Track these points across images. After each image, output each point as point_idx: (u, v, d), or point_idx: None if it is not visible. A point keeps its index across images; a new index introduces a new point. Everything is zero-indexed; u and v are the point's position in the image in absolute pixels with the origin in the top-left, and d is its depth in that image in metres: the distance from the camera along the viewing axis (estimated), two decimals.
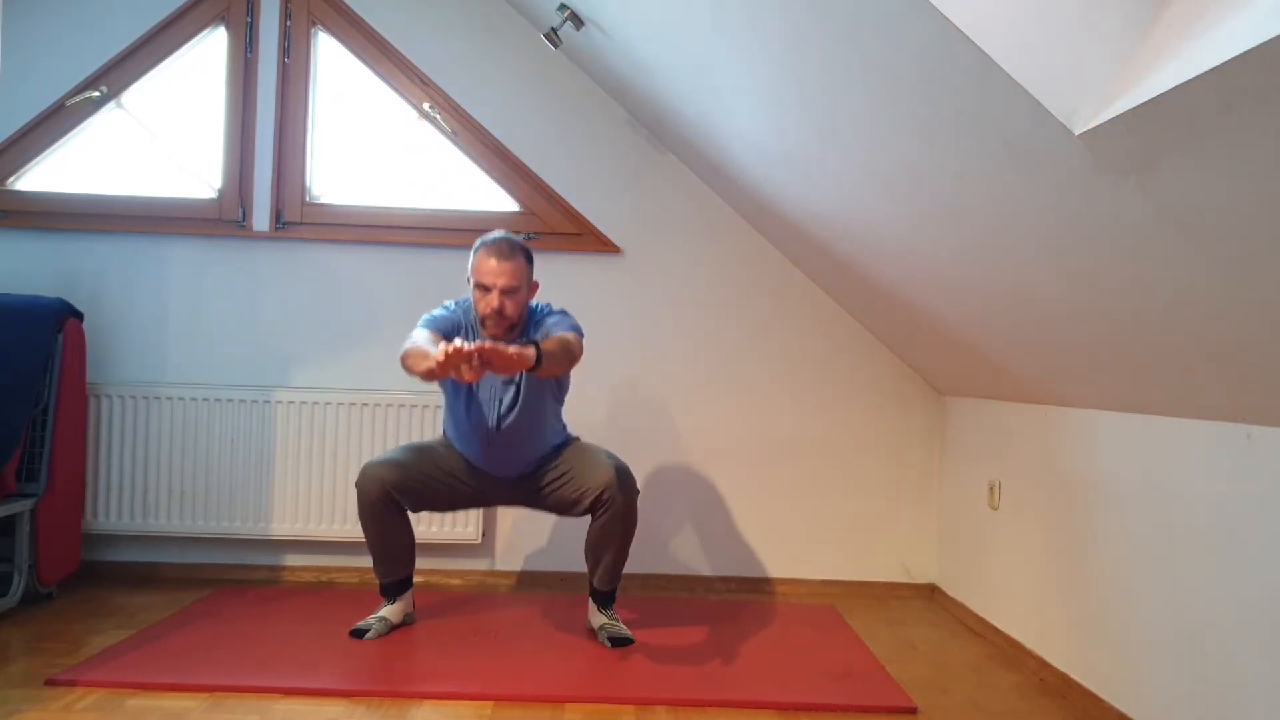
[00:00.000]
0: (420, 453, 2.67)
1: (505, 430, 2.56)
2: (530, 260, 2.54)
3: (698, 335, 3.37)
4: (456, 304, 2.62)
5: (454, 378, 2.20)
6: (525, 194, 3.33)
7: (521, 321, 2.55)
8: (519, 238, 2.56)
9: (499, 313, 2.45)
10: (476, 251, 2.51)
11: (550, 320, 2.54)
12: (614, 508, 2.54)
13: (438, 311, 2.58)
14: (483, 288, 2.47)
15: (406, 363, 2.32)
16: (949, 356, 2.92)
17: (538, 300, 2.63)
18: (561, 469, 2.63)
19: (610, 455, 2.62)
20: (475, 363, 2.11)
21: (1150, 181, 1.35)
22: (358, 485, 2.59)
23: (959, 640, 2.86)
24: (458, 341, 2.11)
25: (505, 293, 2.45)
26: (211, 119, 3.33)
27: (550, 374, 2.37)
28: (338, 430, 3.19)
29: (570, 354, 2.39)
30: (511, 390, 2.55)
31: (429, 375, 2.23)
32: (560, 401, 2.71)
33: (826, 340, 3.38)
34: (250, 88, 3.30)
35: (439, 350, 2.12)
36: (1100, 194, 1.47)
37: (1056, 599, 2.47)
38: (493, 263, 2.45)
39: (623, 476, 2.55)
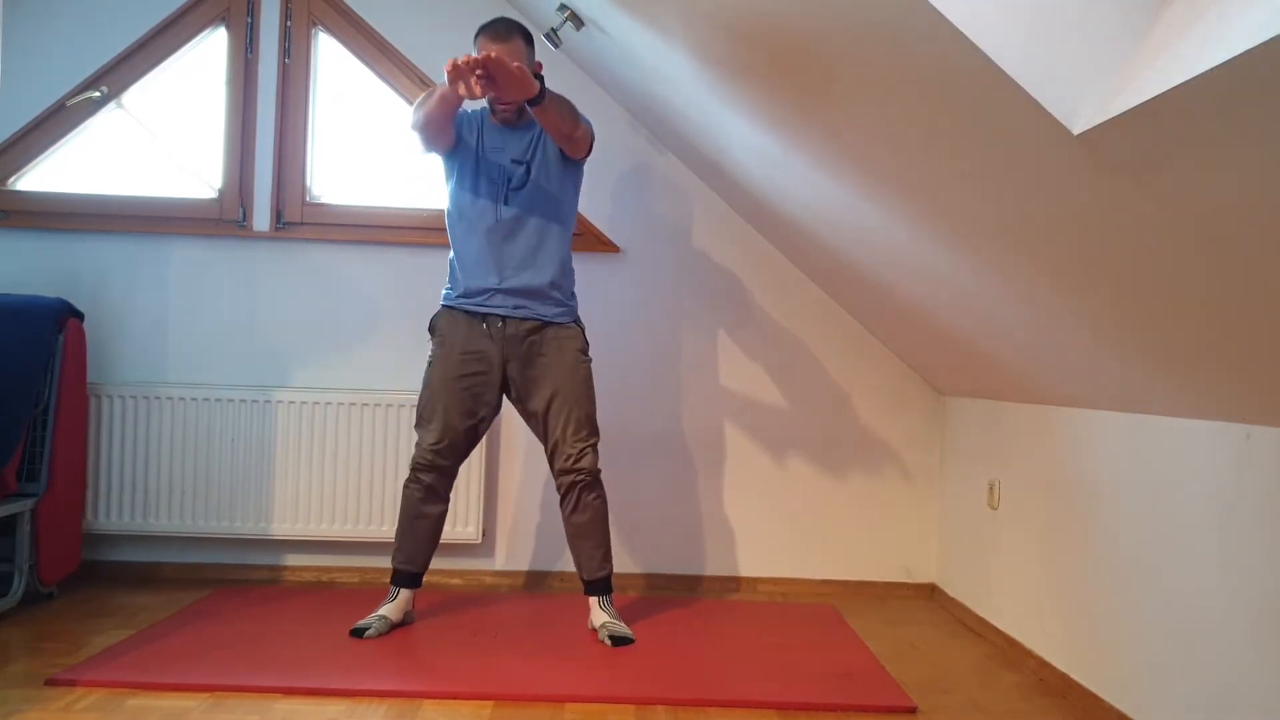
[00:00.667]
0: (436, 395, 2.66)
1: (513, 206, 2.62)
2: (530, 42, 2.62)
3: (697, 335, 3.37)
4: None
5: (463, 93, 2.32)
6: None
7: (527, 116, 2.64)
8: (517, 22, 2.62)
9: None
10: (477, 38, 2.59)
11: None
12: (582, 498, 2.65)
13: None
14: None
15: (418, 115, 2.49)
16: (949, 356, 2.92)
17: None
18: (550, 386, 2.65)
19: (585, 432, 2.66)
20: (482, 72, 2.27)
21: (1150, 181, 1.35)
22: (405, 485, 2.72)
23: (959, 640, 2.86)
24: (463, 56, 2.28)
25: None
26: (212, 119, 3.33)
27: (554, 118, 2.47)
28: (338, 430, 3.19)
29: (575, 115, 2.54)
30: (522, 169, 2.63)
31: (441, 102, 2.41)
32: (569, 226, 2.74)
33: (826, 340, 3.38)
34: (250, 88, 3.30)
35: (444, 78, 2.30)
36: (1100, 194, 1.47)
37: (1056, 599, 2.47)
38: (491, 45, 2.52)
39: (587, 465, 2.65)
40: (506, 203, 2.61)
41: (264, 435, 3.18)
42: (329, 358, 3.31)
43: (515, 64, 2.32)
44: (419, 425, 2.69)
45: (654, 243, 3.37)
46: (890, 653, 2.68)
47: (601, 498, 2.70)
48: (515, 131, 2.68)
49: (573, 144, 2.61)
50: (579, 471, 2.65)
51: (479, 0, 3.32)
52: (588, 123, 2.65)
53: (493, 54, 2.30)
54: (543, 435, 2.70)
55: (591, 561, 2.69)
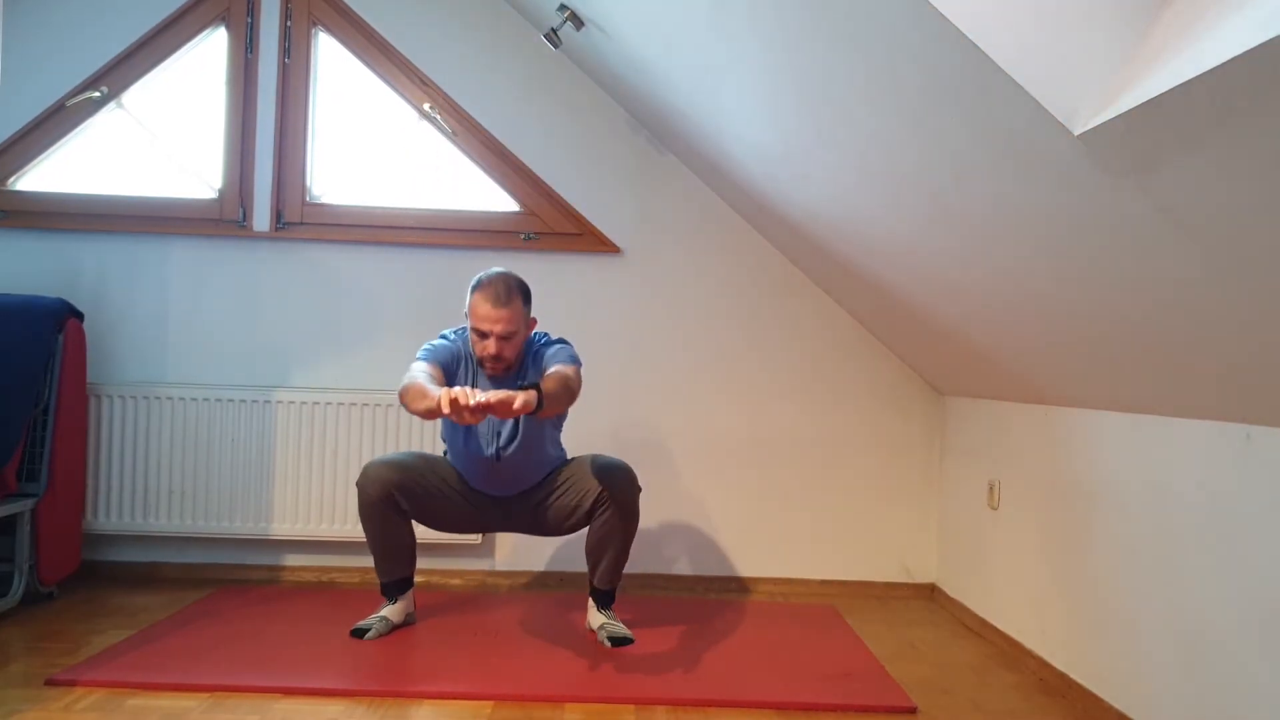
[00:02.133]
0: (423, 459, 2.67)
1: (505, 460, 2.57)
2: (527, 299, 2.50)
3: (697, 335, 3.37)
4: (456, 334, 2.60)
5: (454, 421, 2.16)
6: (525, 194, 3.33)
7: (519, 359, 2.54)
8: (514, 278, 2.50)
9: (496, 358, 2.46)
10: (473, 292, 2.47)
11: (549, 352, 2.52)
12: (615, 506, 2.55)
13: (437, 342, 2.56)
14: (480, 333, 2.46)
15: (405, 400, 2.28)
16: (949, 356, 2.92)
17: (536, 331, 2.62)
18: (562, 477, 2.63)
19: (610, 458, 2.63)
20: (476, 411, 2.07)
21: (1150, 181, 1.35)
22: (359, 484, 2.59)
23: (959, 640, 2.86)
24: (457, 390, 2.08)
25: (502, 338, 2.45)
26: (212, 119, 3.33)
27: (551, 414, 2.34)
28: (338, 430, 3.19)
29: (570, 392, 2.35)
30: (510, 423, 2.55)
31: (428, 415, 2.18)
32: (559, 428, 2.70)
33: (826, 340, 3.38)
34: (250, 88, 3.30)
35: (440, 395, 2.08)
36: (1100, 194, 1.47)
37: (1056, 599, 2.47)
38: (489, 309, 2.43)
39: (624, 474, 2.57)
40: (499, 458, 2.56)
41: (264, 435, 3.18)
42: (329, 358, 3.31)
43: (519, 400, 2.10)
44: (390, 458, 2.62)
45: (654, 243, 3.37)
46: (890, 653, 2.68)
47: (634, 522, 2.60)
48: (503, 381, 2.52)
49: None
50: (610, 490, 2.55)
51: (479, 1, 3.32)
52: (575, 359, 2.50)
53: (490, 401, 2.08)
54: (571, 516, 2.61)
55: (606, 572, 2.65)
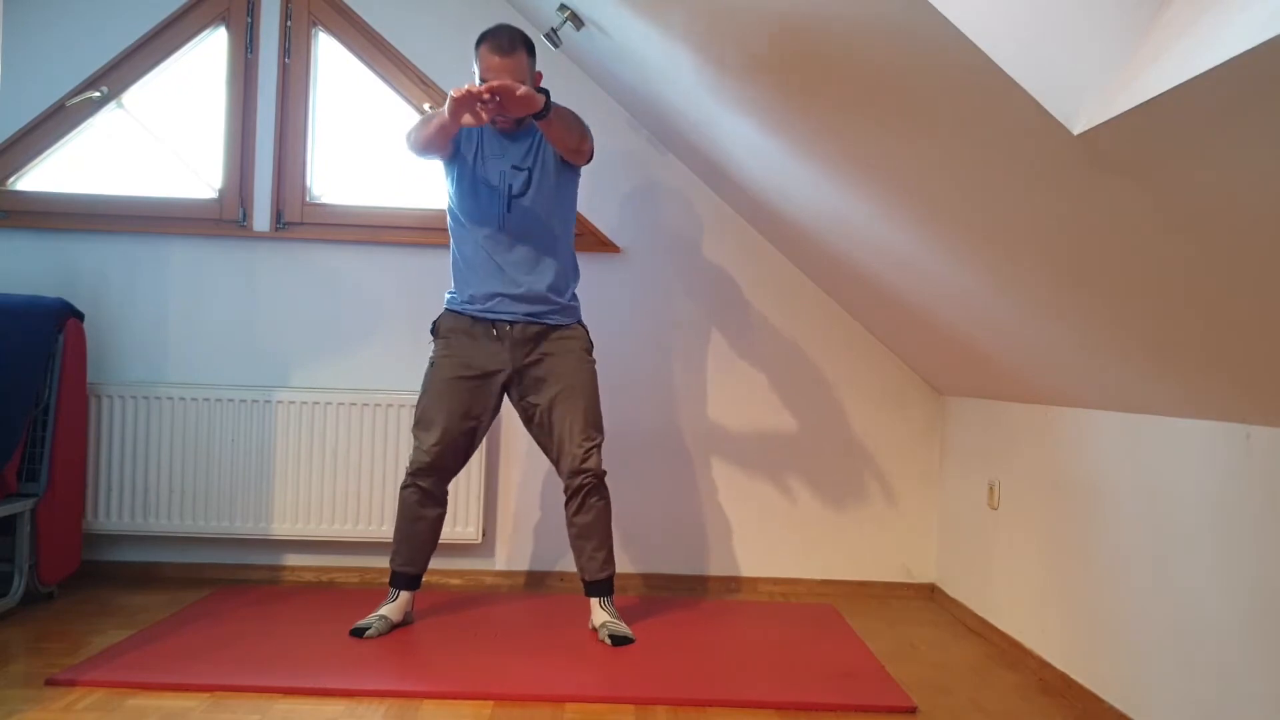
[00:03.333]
0: (436, 398, 2.66)
1: (516, 213, 2.62)
2: (532, 52, 2.59)
3: (697, 335, 3.37)
4: None
5: (466, 122, 2.33)
6: None
7: (527, 119, 2.61)
8: (519, 31, 2.58)
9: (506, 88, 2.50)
10: (479, 45, 2.56)
11: None
12: (586, 499, 2.65)
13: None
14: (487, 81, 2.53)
15: (415, 135, 2.47)
16: (949, 356, 2.92)
17: (542, 85, 2.65)
18: (555, 386, 2.65)
19: (590, 433, 2.66)
20: (485, 100, 2.26)
21: (1150, 181, 1.35)
22: (402, 488, 2.71)
23: (959, 640, 2.86)
24: (463, 87, 2.28)
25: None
26: (212, 119, 3.33)
27: (560, 132, 2.49)
28: (338, 430, 3.19)
29: (580, 124, 2.55)
30: (523, 175, 2.63)
31: (441, 130, 2.39)
32: (571, 221, 2.76)
33: (826, 340, 3.38)
34: (250, 88, 3.30)
35: (445, 103, 2.30)
36: (1100, 194, 1.47)
37: (1056, 599, 2.47)
38: (496, 59, 2.51)
39: (593, 466, 2.65)
40: (509, 210, 2.62)
41: (264, 435, 3.18)
42: (329, 358, 3.31)
43: (522, 90, 2.31)
44: (417, 427, 2.69)
45: (654, 243, 3.37)
46: (890, 653, 2.68)
47: (606, 500, 2.70)
48: (515, 138, 2.67)
49: (577, 154, 2.64)
50: (586, 473, 2.64)
51: (479, 1, 3.32)
52: (589, 131, 2.66)
53: (497, 84, 2.30)
54: (547, 436, 2.69)
55: (593, 563, 2.69)
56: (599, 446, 2.68)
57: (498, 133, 2.67)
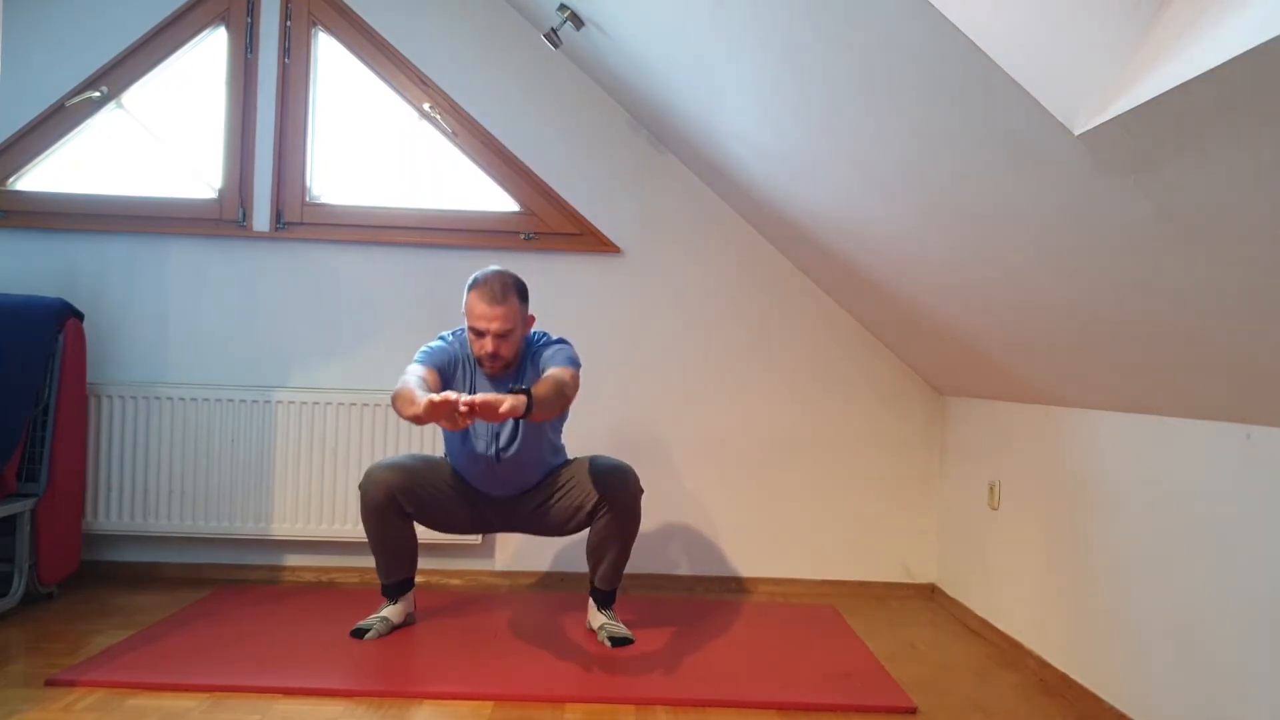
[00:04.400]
0: (424, 461, 2.67)
1: (504, 461, 2.56)
2: (524, 298, 2.49)
3: (697, 335, 3.37)
4: (454, 335, 2.59)
5: (442, 426, 2.15)
6: (525, 194, 3.33)
7: (518, 358, 2.54)
8: (510, 276, 2.49)
9: (494, 356, 2.45)
10: (469, 291, 2.46)
11: (547, 353, 2.51)
12: (615, 507, 2.55)
13: (434, 344, 2.55)
14: (477, 331, 2.45)
15: (395, 405, 2.28)
16: (949, 356, 2.92)
17: (535, 329, 2.62)
18: (564, 478, 2.62)
19: (611, 459, 2.63)
20: (463, 413, 2.05)
21: (1150, 181, 1.35)
22: (361, 487, 2.58)
23: (959, 640, 2.86)
24: (440, 396, 2.06)
25: (499, 336, 2.44)
26: (212, 119, 3.33)
27: (544, 419, 2.32)
28: (338, 430, 3.19)
29: (564, 397, 2.32)
30: (509, 425, 2.54)
31: (417, 421, 2.16)
32: (559, 429, 2.69)
33: (826, 340, 3.38)
34: (250, 88, 3.30)
35: (423, 401, 2.07)
36: (1100, 194, 1.47)
37: (1056, 599, 2.47)
38: (485, 307, 2.41)
39: (626, 476, 2.56)
40: (498, 459, 2.56)
41: (264, 435, 3.18)
42: (329, 358, 3.31)
43: (505, 408, 2.08)
44: (387, 461, 2.62)
45: (654, 243, 3.37)
46: (890, 653, 2.68)
47: (636, 522, 2.60)
48: (503, 381, 2.52)
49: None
50: (627, 491, 2.56)
51: (479, 1, 3.32)
52: (573, 360, 2.49)
53: (477, 401, 2.07)
54: (571, 518, 2.61)
55: (607, 573, 2.65)
56: (626, 468, 2.59)
57: (486, 375, 2.53)
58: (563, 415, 2.61)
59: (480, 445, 2.55)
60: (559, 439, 2.71)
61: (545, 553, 3.32)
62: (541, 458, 2.63)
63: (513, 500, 2.66)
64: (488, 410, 2.07)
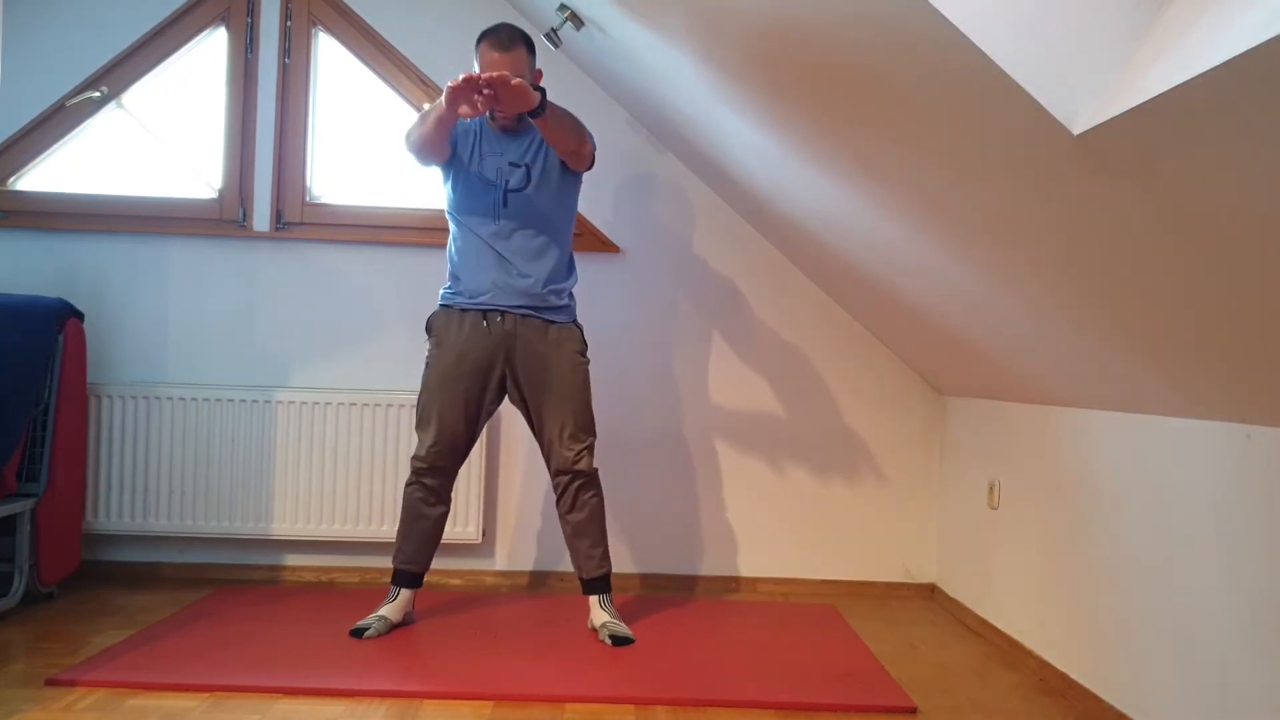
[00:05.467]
0: (433, 396, 2.66)
1: (512, 206, 2.62)
2: (532, 50, 2.61)
3: (697, 335, 3.37)
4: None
5: (463, 113, 2.37)
6: None
7: (527, 121, 2.62)
8: (519, 29, 2.61)
9: (504, 81, 2.47)
10: (479, 45, 2.58)
11: None
12: (579, 497, 2.67)
13: None
14: None
15: (414, 134, 2.51)
16: (949, 356, 2.92)
17: (543, 84, 2.67)
18: (548, 386, 2.65)
19: (580, 434, 2.66)
20: (483, 89, 2.28)
21: (1150, 181, 1.35)
22: (407, 485, 2.72)
23: (959, 640, 2.86)
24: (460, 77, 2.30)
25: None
26: (212, 119, 3.33)
27: (557, 132, 2.48)
28: (338, 430, 3.19)
29: (579, 125, 2.55)
30: (521, 171, 2.64)
31: (437, 126, 2.42)
32: (570, 221, 2.75)
33: (826, 340, 3.38)
34: (250, 88, 3.30)
35: (447, 85, 2.31)
36: (1100, 194, 1.47)
37: (1056, 599, 2.47)
38: (494, 55, 2.53)
39: (583, 467, 2.66)
40: (505, 204, 2.62)
41: (264, 435, 3.18)
42: (329, 358, 3.31)
43: (516, 80, 2.33)
44: (418, 427, 2.69)
45: (654, 243, 3.37)
46: (890, 653, 2.68)
47: (598, 496, 2.70)
48: (514, 137, 2.68)
49: (577, 158, 2.64)
50: (575, 472, 2.66)
51: (479, 1, 3.32)
52: (591, 137, 2.65)
53: (494, 74, 2.32)
54: (538, 435, 2.70)
55: (590, 560, 2.69)
56: (590, 448, 2.68)
57: (496, 132, 2.68)
58: (572, 195, 2.74)
59: (491, 183, 2.63)
60: (568, 233, 2.75)
61: (545, 553, 3.32)
62: (549, 221, 2.67)
63: (508, 338, 2.64)
64: (502, 82, 2.31)
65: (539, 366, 2.66)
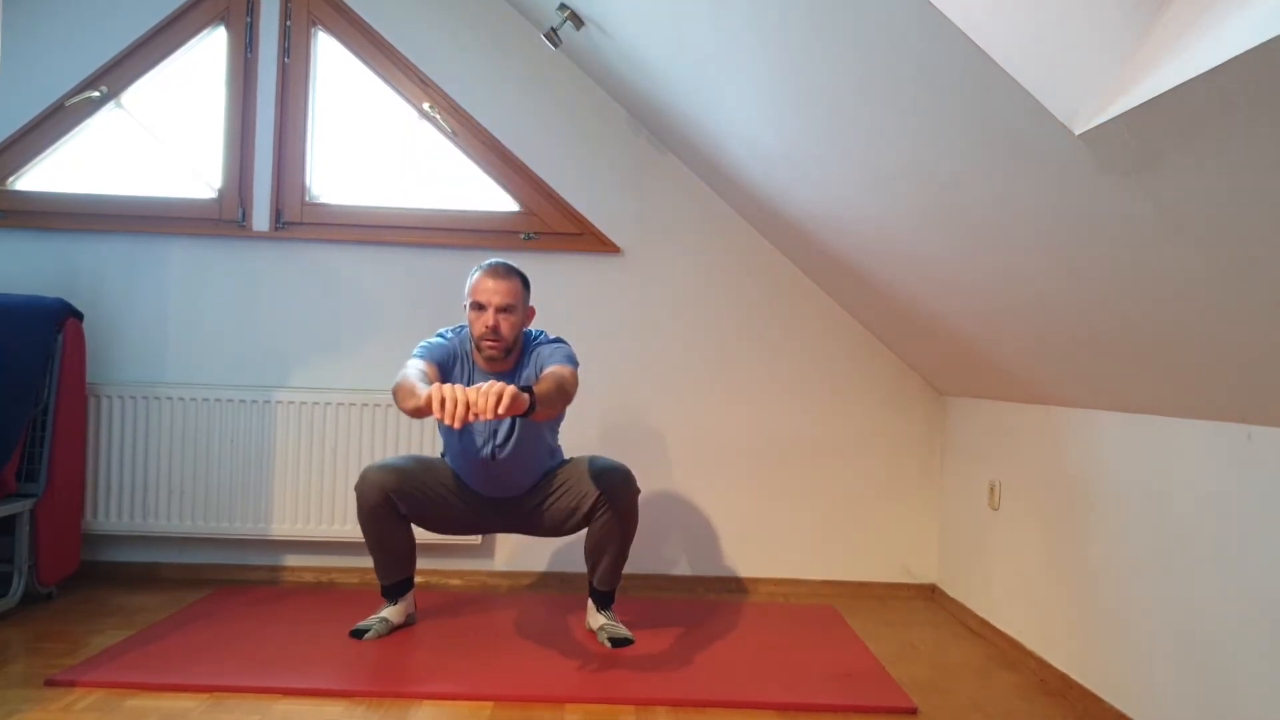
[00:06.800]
0: (420, 462, 2.66)
1: (501, 461, 2.56)
2: (527, 286, 2.55)
3: (697, 335, 3.37)
4: (454, 332, 2.60)
5: (441, 421, 2.10)
6: (525, 194, 3.33)
7: (517, 347, 2.54)
8: (515, 266, 2.55)
9: (494, 330, 2.45)
10: (474, 274, 2.52)
11: (545, 350, 2.52)
12: (614, 507, 2.54)
13: (434, 340, 2.56)
14: (479, 306, 2.47)
15: (396, 398, 2.29)
16: (949, 356, 2.92)
17: (533, 327, 2.64)
18: (560, 480, 2.62)
19: (608, 460, 2.63)
20: (462, 410, 2.00)
21: (1150, 181, 1.35)
22: (357, 489, 2.57)
23: (959, 640, 2.86)
24: (446, 388, 2.03)
25: (501, 311, 2.46)
26: (211, 119, 3.33)
27: (545, 418, 2.29)
28: (338, 430, 3.19)
29: (565, 394, 2.32)
30: (506, 424, 2.53)
31: (417, 414, 2.18)
32: (556, 430, 2.70)
33: (826, 340, 3.38)
34: (250, 88, 3.30)
35: (429, 392, 2.05)
36: (1100, 194, 1.47)
37: (1056, 599, 2.47)
38: (489, 282, 2.47)
39: (622, 476, 2.56)
40: (494, 457, 2.55)
41: (264, 435, 3.18)
42: (329, 358, 3.31)
43: (505, 397, 2.02)
44: (382, 462, 2.60)
45: (654, 243, 3.37)
46: (890, 653, 2.68)
47: (634, 520, 2.60)
48: (503, 376, 2.51)
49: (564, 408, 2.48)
50: (614, 494, 2.55)
51: (479, 1, 3.32)
52: (571, 359, 2.50)
53: (482, 401, 2.02)
54: (570, 517, 2.61)
55: (606, 573, 2.65)
56: (622, 472, 2.57)
57: (484, 370, 2.54)
58: (560, 416, 2.60)
59: (478, 442, 2.55)
60: (555, 440, 2.71)
61: (545, 553, 3.32)
62: (538, 459, 2.63)
63: (510, 502, 2.66)
64: (488, 403, 2.01)
65: (541, 498, 2.64)
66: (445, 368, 2.51)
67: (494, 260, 2.55)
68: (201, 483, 3.17)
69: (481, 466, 2.58)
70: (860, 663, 2.56)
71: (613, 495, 2.54)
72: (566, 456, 2.74)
